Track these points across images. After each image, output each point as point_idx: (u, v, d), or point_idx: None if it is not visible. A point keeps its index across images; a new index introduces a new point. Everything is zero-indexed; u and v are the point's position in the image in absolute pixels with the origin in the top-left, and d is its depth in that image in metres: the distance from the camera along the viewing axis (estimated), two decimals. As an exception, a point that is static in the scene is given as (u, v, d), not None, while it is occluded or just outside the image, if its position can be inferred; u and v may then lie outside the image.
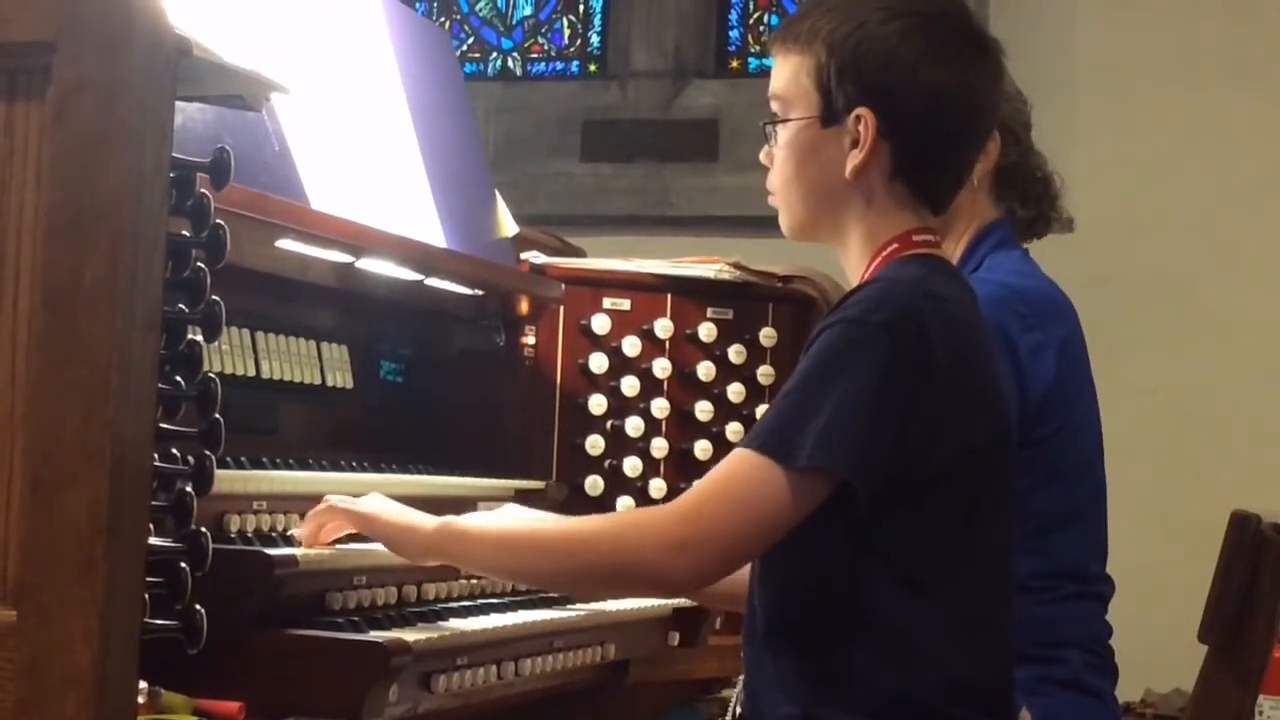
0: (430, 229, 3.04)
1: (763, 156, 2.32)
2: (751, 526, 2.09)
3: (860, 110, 2.21)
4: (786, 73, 2.27)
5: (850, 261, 2.27)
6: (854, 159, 2.22)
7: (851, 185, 2.23)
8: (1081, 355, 2.90)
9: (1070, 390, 2.83)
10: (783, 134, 2.28)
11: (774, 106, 2.29)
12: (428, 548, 2.32)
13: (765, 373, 3.35)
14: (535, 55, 6.96)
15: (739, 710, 2.24)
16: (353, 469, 2.67)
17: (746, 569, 2.23)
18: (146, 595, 1.89)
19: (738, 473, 2.10)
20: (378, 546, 2.41)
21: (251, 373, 2.63)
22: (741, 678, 2.26)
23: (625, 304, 3.31)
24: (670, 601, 2.88)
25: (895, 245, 2.23)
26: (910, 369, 2.09)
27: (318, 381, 2.80)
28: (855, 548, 2.12)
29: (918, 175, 2.23)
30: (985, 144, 2.39)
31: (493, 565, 2.34)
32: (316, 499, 2.50)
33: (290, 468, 2.50)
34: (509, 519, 2.37)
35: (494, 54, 6.99)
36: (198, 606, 1.96)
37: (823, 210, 2.27)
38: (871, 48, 2.20)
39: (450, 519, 2.31)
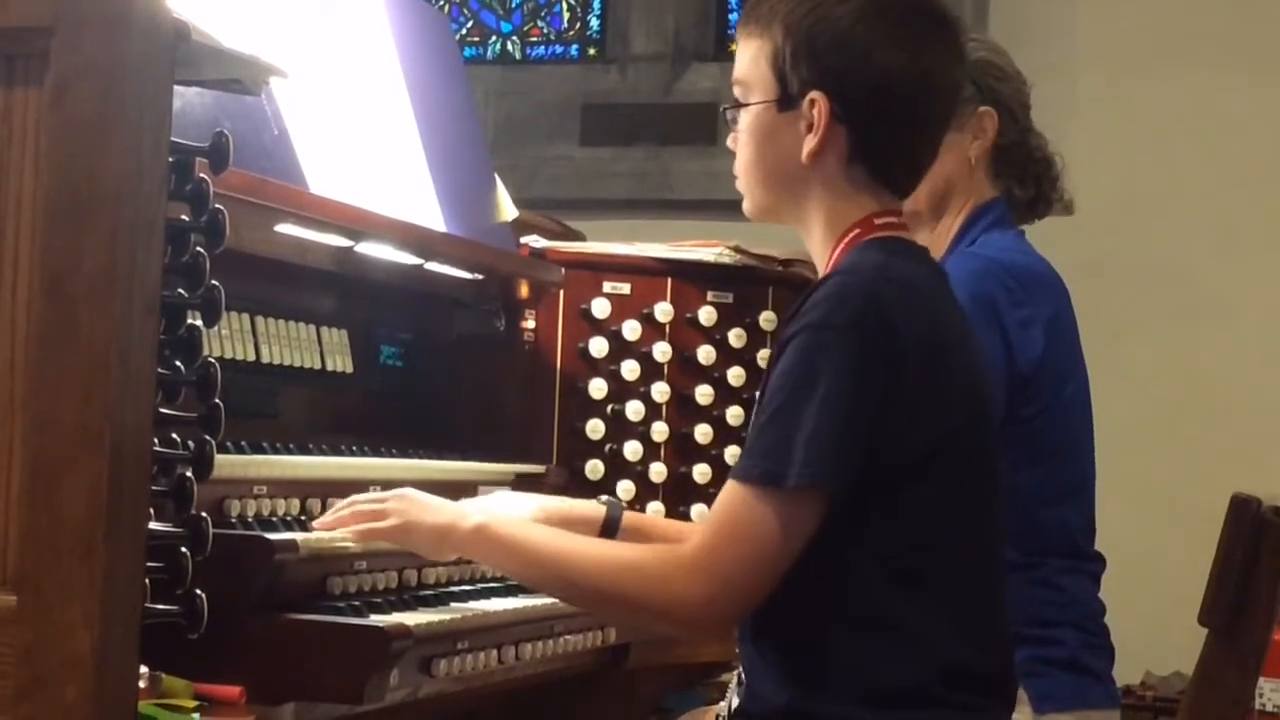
0: (429, 213, 3.04)
1: (729, 141, 2.33)
2: (763, 565, 2.10)
3: (814, 94, 2.20)
4: (747, 56, 2.26)
5: (815, 246, 2.27)
6: (808, 143, 2.21)
7: (809, 169, 2.23)
8: (1072, 335, 2.89)
9: (1060, 368, 2.82)
10: (743, 118, 2.28)
11: (736, 91, 2.29)
12: (461, 548, 2.35)
13: (765, 356, 3.34)
14: (534, 39, 6.95)
15: (736, 703, 2.24)
16: (353, 453, 2.67)
17: None
18: (147, 580, 1.89)
19: (740, 514, 2.10)
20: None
21: (251, 357, 2.63)
22: (738, 670, 2.26)
23: (625, 288, 3.31)
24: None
25: (858, 230, 2.22)
26: (881, 360, 2.09)
27: (318, 366, 2.80)
28: (844, 536, 2.12)
29: (875, 159, 2.22)
30: (948, 125, 2.35)
31: (521, 576, 2.38)
32: (317, 484, 2.50)
33: (290, 452, 2.51)
34: (536, 527, 2.37)
35: (493, 37, 6.97)
36: (198, 591, 1.96)
37: (783, 194, 2.28)
38: (824, 29, 2.19)
39: (487, 522, 2.31)
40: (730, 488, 2.12)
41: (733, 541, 2.10)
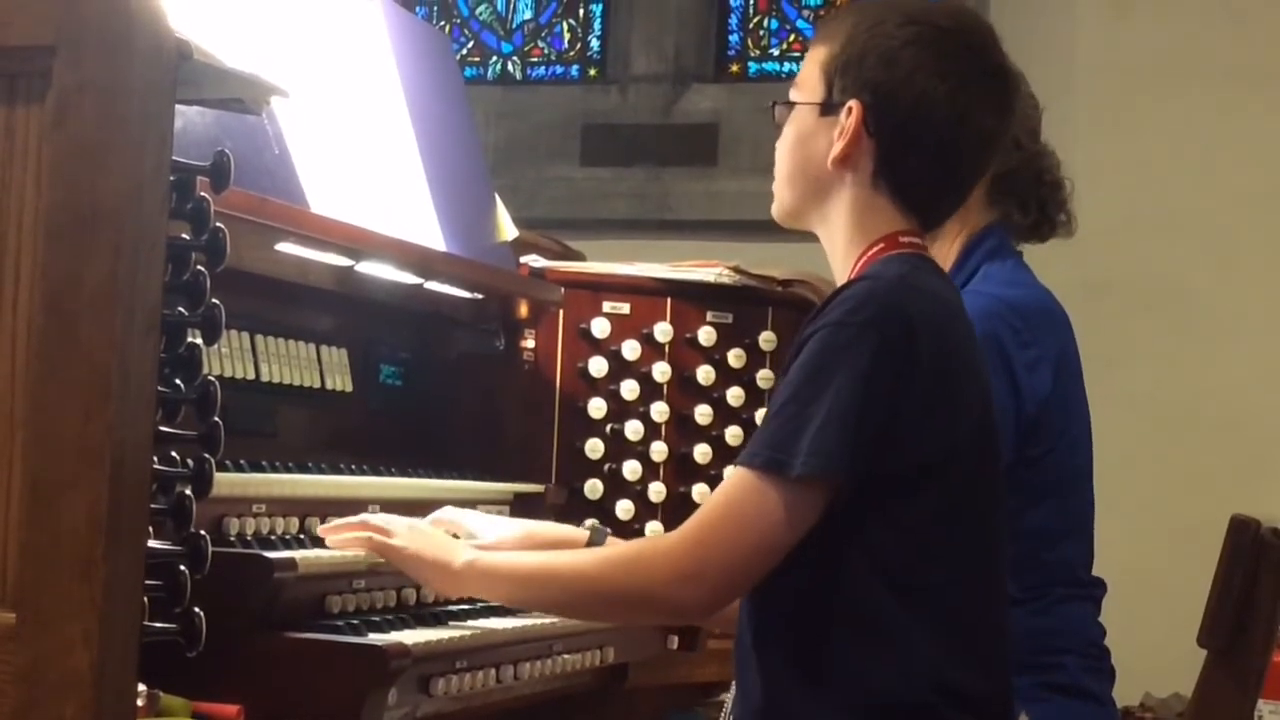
0: (430, 233, 3.05)
1: (778, 144, 2.36)
2: (757, 549, 2.11)
3: (851, 102, 2.23)
4: (809, 63, 2.32)
5: (837, 257, 2.29)
6: (836, 147, 2.24)
7: (835, 176, 2.26)
8: (1076, 368, 2.88)
9: (1066, 404, 2.81)
10: (788, 117, 2.32)
11: (790, 94, 2.33)
12: (457, 584, 2.37)
13: (765, 376, 3.35)
14: (535, 59, 6.96)
15: (730, 709, 2.24)
16: (352, 472, 2.67)
17: None
18: (146, 598, 1.89)
19: (739, 496, 2.12)
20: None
21: (251, 376, 2.63)
22: (733, 684, 2.26)
23: (625, 308, 3.32)
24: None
25: (882, 244, 2.24)
26: (897, 362, 2.10)
27: (317, 385, 2.80)
28: (845, 542, 2.13)
29: (899, 179, 2.25)
30: (979, 175, 2.37)
31: (517, 600, 2.40)
32: (316, 502, 2.51)
33: (289, 471, 2.51)
34: (521, 553, 2.40)
35: (494, 58, 6.98)
36: (197, 609, 1.96)
37: (808, 197, 2.30)
38: (878, 45, 2.23)
39: (477, 556, 2.34)
40: (734, 473, 2.14)
41: (729, 523, 2.12)
